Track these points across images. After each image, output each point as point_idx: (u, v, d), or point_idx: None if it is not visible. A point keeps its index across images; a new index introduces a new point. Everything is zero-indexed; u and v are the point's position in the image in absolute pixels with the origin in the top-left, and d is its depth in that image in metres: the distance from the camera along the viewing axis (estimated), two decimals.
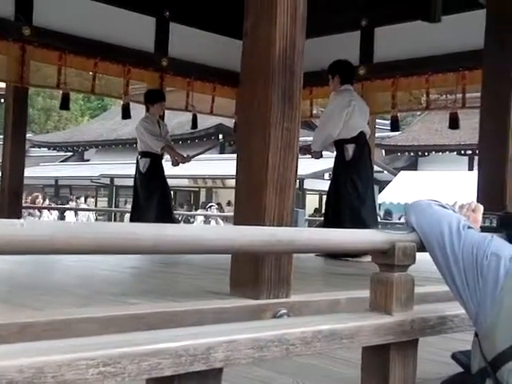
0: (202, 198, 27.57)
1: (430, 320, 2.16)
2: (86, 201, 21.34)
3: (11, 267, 4.04)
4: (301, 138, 3.28)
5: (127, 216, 10.39)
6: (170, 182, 7.88)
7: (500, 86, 5.36)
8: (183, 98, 8.57)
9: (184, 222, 19.17)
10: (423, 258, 2.17)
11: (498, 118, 5.38)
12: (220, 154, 28.10)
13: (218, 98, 8.89)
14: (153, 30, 8.10)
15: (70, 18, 7.16)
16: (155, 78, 8.13)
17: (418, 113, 24.47)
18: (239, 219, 3.21)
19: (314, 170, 20.12)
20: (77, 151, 35.75)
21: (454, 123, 7.63)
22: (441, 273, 2.07)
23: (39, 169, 31.06)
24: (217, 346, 1.58)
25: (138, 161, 7.68)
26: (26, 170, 7.79)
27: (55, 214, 20.23)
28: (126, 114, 8.19)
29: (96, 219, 22.06)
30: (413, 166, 26.99)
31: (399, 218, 18.92)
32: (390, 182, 24.12)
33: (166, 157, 7.90)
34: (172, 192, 8.37)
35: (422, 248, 2.14)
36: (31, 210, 18.46)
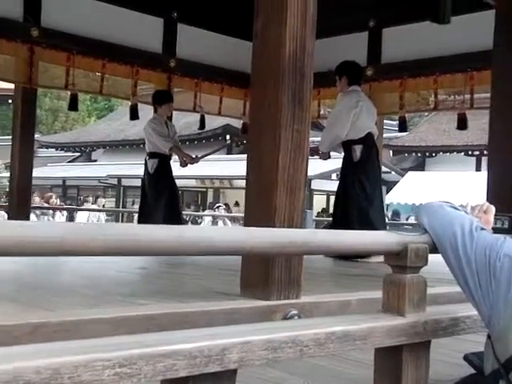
0: (210, 199, 27.58)
1: (443, 321, 2.16)
2: (96, 201, 21.34)
3: (20, 268, 4.05)
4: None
5: (136, 216, 10.38)
6: (178, 182, 7.88)
7: (509, 86, 5.34)
8: (191, 98, 8.58)
9: (191, 222, 19.20)
10: (435, 259, 2.17)
11: (507, 118, 5.35)
12: (227, 154, 28.09)
13: (225, 98, 8.90)
14: (161, 31, 8.11)
15: (78, 19, 7.18)
16: (163, 78, 8.14)
17: (426, 113, 24.41)
18: (249, 220, 3.21)
19: (322, 171, 20.09)
20: (84, 152, 35.79)
21: (462, 124, 7.62)
22: (453, 274, 2.07)
23: (47, 169, 31.12)
24: (231, 347, 1.58)
25: (146, 161, 7.69)
26: (33, 170, 7.81)
27: (66, 214, 20.28)
28: (134, 114, 8.21)
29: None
30: (420, 166, 26.94)
31: (407, 219, 18.93)
32: (398, 182, 24.08)
33: (174, 157, 7.91)
34: (179, 192, 8.38)
35: (434, 249, 2.14)
36: (44, 210, 18.53)
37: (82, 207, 21.14)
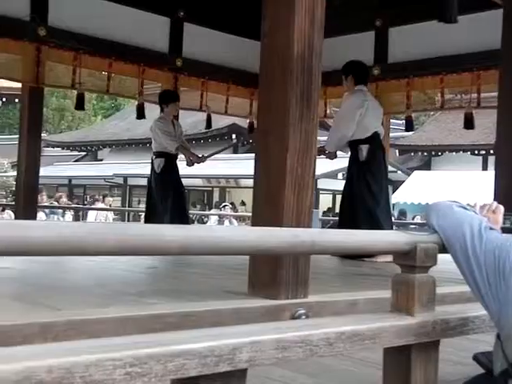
0: (216, 198, 27.58)
1: (452, 321, 2.16)
2: (104, 200, 21.37)
3: (28, 267, 4.06)
4: None
5: (143, 216, 10.41)
6: (184, 181, 7.89)
7: None
8: (197, 97, 8.59)
9: (197, 221, 19.21)
10: (444, 258, 2.17)
11: None
12: (233, 153, 28.09)
13: (232, 97, 8.91)
14: (167, 30, 8.12)
15: (84, 18, 7.19)
16: (169, 78, 8.15)
17: (432, 112, 24.38)
18: (257, 220, 3.21)
19: (328, 170, 20.07)
20: (90, 151, 35.83)
21: (469, 123, 7.61)
22: (462, 274, 2.06)
23: (53, 168, 31.16)
24: (242, 346, 1.58)
25: (152, 161, 7.70)
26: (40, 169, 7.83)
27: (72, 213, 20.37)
28: (140, 114, 8.22)
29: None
30: (426, 165, 26.90)
31: (413, 218, 18.89)
32: (404, 181, 24.05)
33: (181, 156, 7.92)
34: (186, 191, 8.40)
35: (443, 249, 2.14)
36: (54, 209, 18.62)
37: (90, 207, 21.22)
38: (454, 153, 25.16)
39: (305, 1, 3.04)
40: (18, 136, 7.82)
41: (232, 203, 23.17)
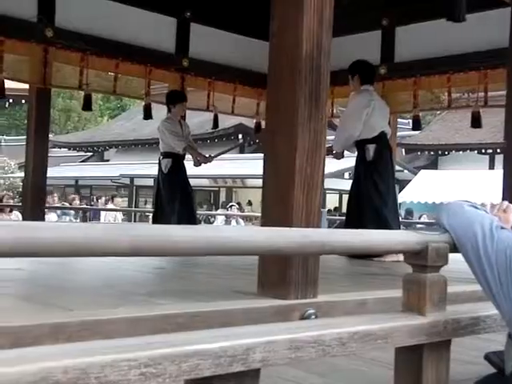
0: (222, 198, 27.59)
1: (463, 321, 2.16)
2: (112, 200, 21.40)
3: (37, 268, 4.07)
4: None
5: (151, 216, 10.41)
6: (190, 181, 7.89)
7: None
8: (204, 98, 8.60)
9: (204, 221, 19.22)
10: (455, 257, 2.17)
11: None
12: (240, 153, 28.10)
13: (238, 97, 8.91)
14: (174, 31, 8.13)
15: (91, 19, 7.21)
16: (176, 78, 8.16)
17: (438, 111, 24.34)
18: (266, 220, 3.21)
19: (334, 170, 20.07)
20: (97, 151, 35.88)
21: (476, 122, 7.60)
22: (474, 274, 2.06)
23: (59, 169, 31.21)
24: (255, 346, 1.59)
25: (159, 161, 7.70)
26: None
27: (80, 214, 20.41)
28: (147, 114, 8.23)
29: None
30: (433, 164, 26.85)
31: (419, 217, 18.85)
32: (411, 181, 24.02)
33: (188, 157, 7.92)
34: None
35: (454, 249, 2.14)
36: (66, 210, 18.68)
37: (98, 207, 21.29)
38: (460, 152, 25.11)
39: (313, 0, 3.04)
40: (24, 137, 7.84)
41: (238, 203, 23.17)
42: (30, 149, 7.48)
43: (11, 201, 15.08)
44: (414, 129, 9.41)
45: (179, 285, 3.90)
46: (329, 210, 19.68)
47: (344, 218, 7.43)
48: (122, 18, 7.54)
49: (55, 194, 19.68)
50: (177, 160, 7.58)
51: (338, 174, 20.93)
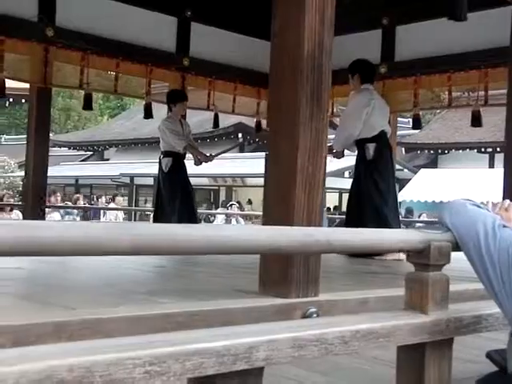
0: (222, 197, 27.58)
1: (465, 319, 2.16)
2: (114, 200, 21.41)
3: (37, 267, 4.07)
4: None
5: (151, 215, 10.41)
6: (190, 180, 7.89)
7: None
8: (205, 97, 8.60)
9: (204, 220, 19.21)
10: (457, 256, 2.17)
11: None
12: (240, 152, 28.09)
13: (239, 97, 8.92)
14: (174, 30, 8.13)
15: (92, 18, 7.21)
16: (177, 77, 8.16)
17: (438, 110, 24.33)
18: (268, 219, 3.22)
19: (334, 169, 20.08)
20: (97, 150, 35.86)
21: (476, 121, 7.60)
22: (476, 272, 2.07)
23: (60, 168, 31.20)
24: (258, 345, 1.59)
25: (160, 160, 7.71)
26: None
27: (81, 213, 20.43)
28: (148, 113, 8.23)
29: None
30: (433, 163, 26.86)
31: (419, 216, 18.87)
32: (411, 179, 24.01)
33: (188, 156, 7.93)
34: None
35: (456, 247, 2.14)
36: (69, 210, 18.69)
37: (100, 207, 21.29)
38: (460, 150, 25.11)
39: (315, 0, 3.04)
40: (24, 136, 7.85)
41: (238, 202, 23.16)
42: (31, 148, 7.49)
43: (11, 200, 15.07)
44: (413, 128, 9.40)
45: (180, 283, 3.90)
46: (328, 209, 19.68)
47: (344, 216, 7.44)
48: (122, 17, 7.55)
49: (58, 194, 19.66)
50: (177, 159, 7.58)
51: (338, 172, 20.94)
